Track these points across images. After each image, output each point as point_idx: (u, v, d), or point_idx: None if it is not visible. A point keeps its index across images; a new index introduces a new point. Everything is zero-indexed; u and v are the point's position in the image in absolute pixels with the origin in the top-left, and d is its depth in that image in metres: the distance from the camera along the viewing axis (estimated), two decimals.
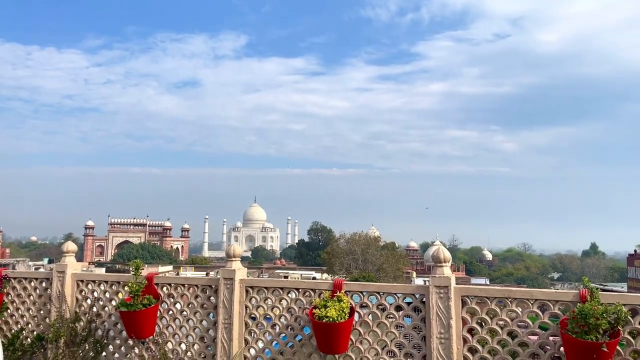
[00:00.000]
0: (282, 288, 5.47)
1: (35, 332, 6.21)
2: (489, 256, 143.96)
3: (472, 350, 4.73)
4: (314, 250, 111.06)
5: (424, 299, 4.91)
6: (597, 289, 4.30)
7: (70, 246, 6.38)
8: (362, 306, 5.18)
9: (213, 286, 5.67)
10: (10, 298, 6.42)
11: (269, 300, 5.49)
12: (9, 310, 6.37)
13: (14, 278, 6.47)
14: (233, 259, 5.68)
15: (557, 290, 4.64)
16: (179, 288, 5.84)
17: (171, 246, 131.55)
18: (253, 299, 5.54)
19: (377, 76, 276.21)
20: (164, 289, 5.86)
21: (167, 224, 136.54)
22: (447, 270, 4.86)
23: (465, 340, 4.74)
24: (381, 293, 5.14)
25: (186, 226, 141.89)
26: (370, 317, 5.13)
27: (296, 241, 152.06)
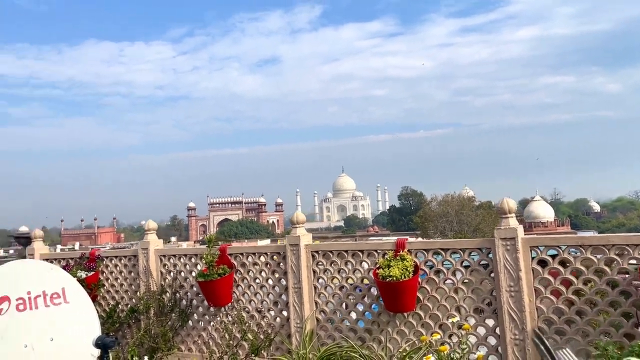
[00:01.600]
0: (346, 251, 5.49)
1: (128, 305, 6.77)
2: (597, 208, 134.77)
3: (547, 303, 4.48)
4: (406, 215, 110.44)
5: (490, 253, 4.71)
6: None
7: (151, 224, 6.83)
8: (427, 264, 5.07)
9: (281, 253, 5.83)
10: (104, 276, 7.03)
11: (334, 263, 5.54)
12: (104, 287, 6.99)
13: (106, 257, 7.07)
14: (297, 225, 5.78)
15: (638, 234, 4.22)
16: (250, 257, 6.06)
17: (267, 220, 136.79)
18: (319, 263, 5.62)
19: (459, 29, 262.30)
20: (237, 258, 6.11)
21: (262, 199, 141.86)
22: (512, 221, 4.61)
23: (537, 292, 4.50)
24: (446, 249, 5.00)
25: (279, 200, 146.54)
26: (436, 274, 5.01)
27: (387, 207, 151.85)
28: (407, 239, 5.20)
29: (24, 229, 7.25)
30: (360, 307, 5.43)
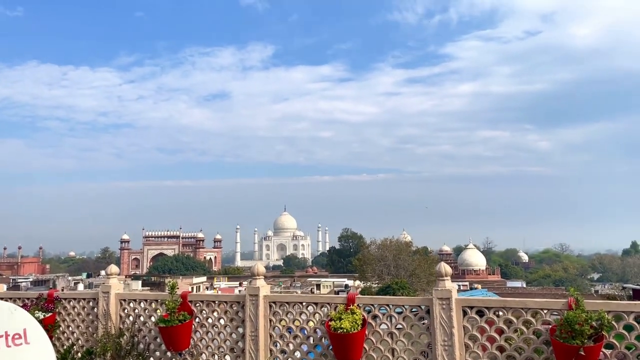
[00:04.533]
0: (301, 302, 6.05)
1: (84, 347, 6.94)
2: (525, 258, 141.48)
3: (474, 356, 5.20)
4: (345, 257, 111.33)
5: (429, 310, 5.42)
6: (582, 298, 4.73)
7: (113, 269, 7.11)
8: (374, 317, 5.71)
9: (240, 302, 6.30)
10: (61, 317, 7.18)
11: (290, 314, 6.08)
12: (60, 328, 7.13)
13: (64, 299, 7.24)
14: (257, 277, 6.30)
15: (548, 300, 5.09)
16: (210, 304, 6.48)
17: (204, 257, 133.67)
18: (276, 313, 6.13)
19: (405, 80, 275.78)
20: (197, 305, 6.51)
21: (200, 235, 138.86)
22: (448, 284, 5.36)
23: (467, 347, 5.22)
24: (390, 305, 5.67)
25: (218, 237, 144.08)
26: (381, 327, 5.65)
27: (327, 248, 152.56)
28: (357, 294, 5.84)
29: None
30: (311, 356, 5.95)
